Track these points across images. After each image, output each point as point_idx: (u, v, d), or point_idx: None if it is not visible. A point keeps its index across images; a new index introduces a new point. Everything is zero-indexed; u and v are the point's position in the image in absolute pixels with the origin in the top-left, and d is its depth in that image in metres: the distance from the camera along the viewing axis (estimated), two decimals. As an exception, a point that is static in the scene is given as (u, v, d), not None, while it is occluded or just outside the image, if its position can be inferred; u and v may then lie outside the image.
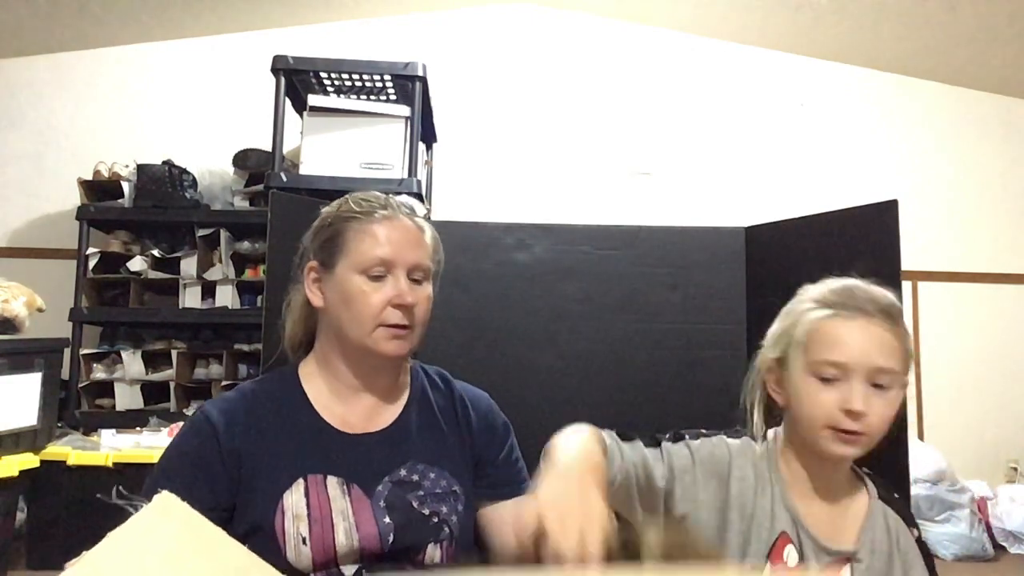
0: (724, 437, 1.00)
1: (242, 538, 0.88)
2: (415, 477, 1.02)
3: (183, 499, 0.93)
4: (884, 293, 0.96)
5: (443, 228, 1.53)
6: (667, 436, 0.99)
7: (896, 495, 1.02)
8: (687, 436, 0.99)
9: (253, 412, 1.01)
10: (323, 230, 1.06)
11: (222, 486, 0.96)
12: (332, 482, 0.98)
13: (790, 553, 0.94)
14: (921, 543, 0.98)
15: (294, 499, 0.95)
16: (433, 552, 1.00)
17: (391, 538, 0.97)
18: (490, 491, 1.09)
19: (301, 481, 0.97)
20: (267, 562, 0.85)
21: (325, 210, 1.09)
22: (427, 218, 1.11)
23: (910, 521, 0.99)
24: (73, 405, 3.06)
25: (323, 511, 0.95)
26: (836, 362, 0.91)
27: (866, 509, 0.97)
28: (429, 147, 3.38)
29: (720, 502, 0.95)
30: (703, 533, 0.94)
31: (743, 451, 0.99)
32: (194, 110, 3.67)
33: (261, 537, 0.93)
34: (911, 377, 0.94)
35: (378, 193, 1.08)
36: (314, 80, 2.70)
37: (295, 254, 1.24)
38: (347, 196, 1.08)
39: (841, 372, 0.91)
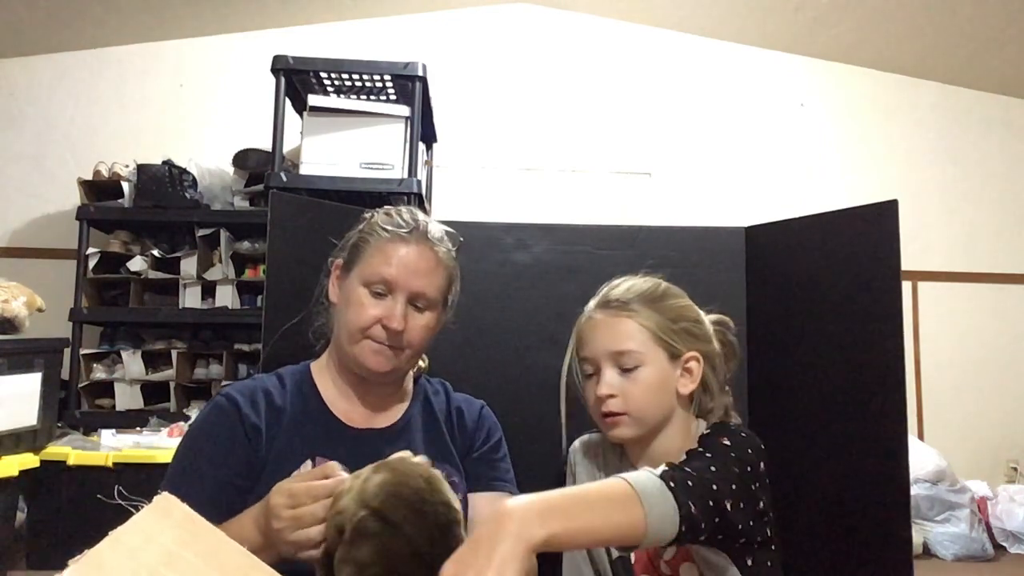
0: (575, 443, 1.18)
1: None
2: None
3: (210, 473, 0.96)
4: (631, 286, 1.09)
5: (443, 228, 1.53)
6: None
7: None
8: None
9: (270, 395, 1.06)
10: (355, 235, 1.10)
11: (246, 460, 0.99)
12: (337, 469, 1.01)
13: None
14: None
15: None
16: None
17: None
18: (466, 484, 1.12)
19: (308, 463, 1.00)
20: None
21: (367, 214, 1.12)
22: (454, 250, 1.11)
23: None
24: (73, 405, 3.05)
25: None
26: (587, 357, 1.06)
27: None
28: (429, 147, 3.38)
29: None
30: None
31: (585, 447, 1.15)
32: (194, 110, 3.66)
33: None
34: (911, 377, 0.96)
35: (418, 215, 1.09)
36: (314, 80, 2.70)
37: (295, 254, 1.24)
38: (389, 209, 1.11)
39: (592, 366, 1.06)
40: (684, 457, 0.93)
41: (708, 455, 0.92)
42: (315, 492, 0.80)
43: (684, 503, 0.80)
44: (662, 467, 0.86)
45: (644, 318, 1.04)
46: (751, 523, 0.91)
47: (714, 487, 0.86)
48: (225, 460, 0.98)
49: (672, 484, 0.81)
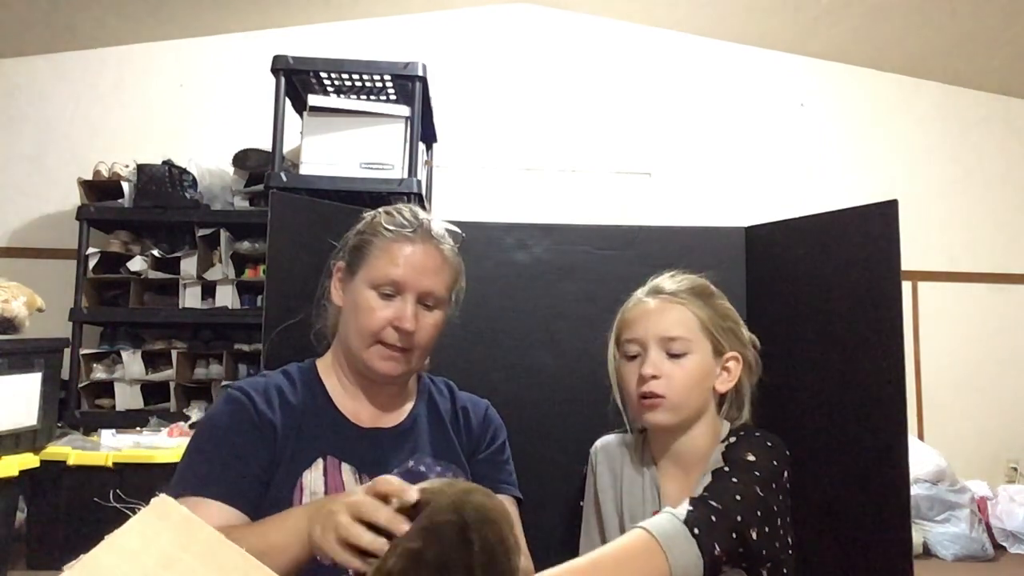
0: (596, 444, 1.18)
1: (261, 513, 0.92)
2: (422, 468, 1.04)
3: (236, 466, 0.95)
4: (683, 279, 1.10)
5: (443, 228, 1.53)
6: None
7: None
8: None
9: (283, 392, 1.05)
10: (356, 236, 1.09)
11: (266, 454, 0.98)
12: (346, 469, 1.01)
13: None
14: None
15: (313, 477, 0.99)
16: None
17: None
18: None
19: (320, 461, 1.00)
20: None
21: (368, 214, 1.11)
22: (457, 247, 1.11)
23: None
24: (73, 405, 3.05)
25: (338, 492, 0.97)
26: (633, 338, 1.06)
27: None
28: (429, 147, 3.37)
29: (591, 496, 1.13)
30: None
31: (607, 447, 1.15)
32: (194, 110, 3.66)
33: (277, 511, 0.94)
34: (911, 377, 0.96)
35: (419, 213, 1.09)
36: (314, 80, 2.70)
37: (295, 254, 1.23)
38: (389, 208, 1.10)
39: (638, 347, 1.05)
40: (709, 478, 0.93)
41: (734, 479, 0.91)
42: (380, 515, 0.73)
43: (709, 548, 0.81)
44: (685, 505, 0.86)
45: (696, 308, 1.05)
46: (775, 544, 0.92)
47: (739, 519, 0.86)
48: (248, 453, 0.97)
49: (696, 531, 0.82)
